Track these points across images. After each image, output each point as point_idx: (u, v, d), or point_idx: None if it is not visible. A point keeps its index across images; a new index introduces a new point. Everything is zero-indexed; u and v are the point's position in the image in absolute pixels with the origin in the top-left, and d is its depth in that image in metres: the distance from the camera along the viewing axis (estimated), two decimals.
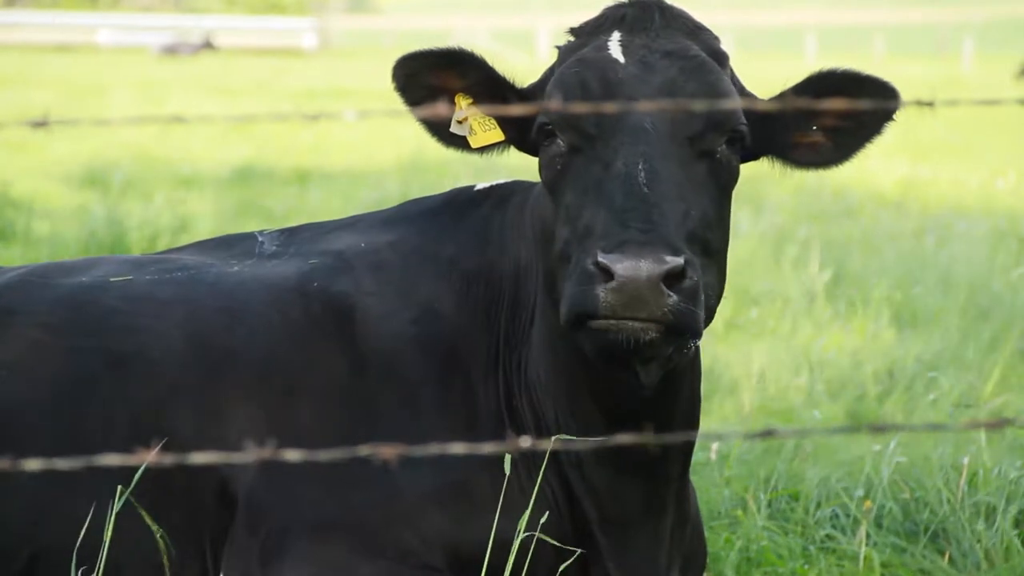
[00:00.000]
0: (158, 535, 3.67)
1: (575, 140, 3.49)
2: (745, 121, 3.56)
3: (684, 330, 3.31)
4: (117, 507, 3.61)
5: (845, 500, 5.53)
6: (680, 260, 3.25)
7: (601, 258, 3.25)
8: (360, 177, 16.75)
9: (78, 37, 62.39)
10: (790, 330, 8.51)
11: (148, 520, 3.66)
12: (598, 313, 3.27)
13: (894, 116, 3.69)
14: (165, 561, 3.68)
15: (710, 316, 3.48)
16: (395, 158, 18.86)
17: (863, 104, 3.64)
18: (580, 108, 3.40)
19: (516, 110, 3.61)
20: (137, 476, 3.60)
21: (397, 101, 3.73)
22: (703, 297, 3.34)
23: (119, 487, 3.62)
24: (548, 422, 3.76)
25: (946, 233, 12.46)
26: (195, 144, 20.27)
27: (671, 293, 3.25)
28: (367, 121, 23.20)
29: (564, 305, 3.37)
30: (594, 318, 3.29)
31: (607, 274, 3.24)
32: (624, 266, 3.23)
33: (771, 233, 12.01)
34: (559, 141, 3.52)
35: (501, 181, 4.04)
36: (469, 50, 3.77)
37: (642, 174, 3.35)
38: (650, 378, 3.57)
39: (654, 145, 3.40)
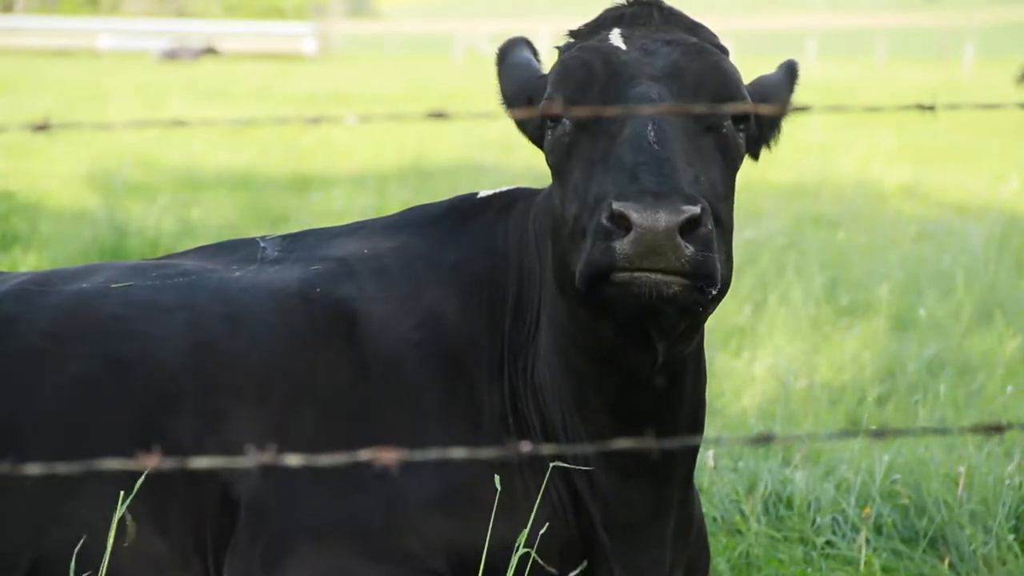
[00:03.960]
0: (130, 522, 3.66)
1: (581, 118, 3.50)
2: (750, 101, 3.57)
3: (703, 278, 3.26)
4: (119, 513, 3.62)
5: (843, 506, 5.53)
6: (696, 208, 3.21)
7: (616, 207, 3.20)
8: (361, 182, 16.76)
9: (78, 42, 62.44)
10: (791, 335, 8.51)
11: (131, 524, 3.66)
12: (616, 265, 3.23)
13: (794, 87, 3.81)
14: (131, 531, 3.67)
15: (721, 294, 3.45)
16: (396, 163, 18.87)
17: (858, 108, 3.66)
18: (582, 111, 3.40)
19: (518, 114, 3.62)
20: (138, 484, 3.60)
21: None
22: (715, 245, 3.30)
23: (121, 492, 3.62)
24: (555, 425, 3.76)
25: (947, 237, 12.46)
26: (196, 148, 20.28)
27: (688, 244, 3.21)
28: (368, 125, 23.19)
29: (580, 266, 3.33)
30: (613, 271, 3.24)
31: (624, 225, 3.20)
32: (642, 216, 3.18)
33: (772, 238, 12.01)
34: (564, 121, 3.52)
35: (504, 188, 4.05)
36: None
37: (651, 134, 3.32)
38: (665, 355, 3.55)
39: (660, 114, 3.39)
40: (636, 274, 3.24)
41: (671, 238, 3.19)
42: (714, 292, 3.34)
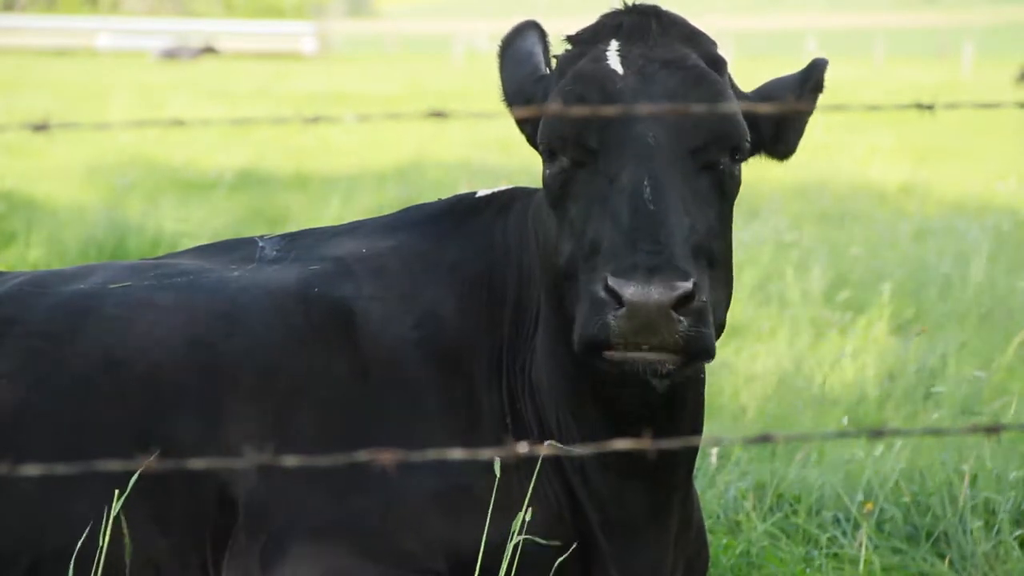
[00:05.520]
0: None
1: (578, 155, 3.49)
2: (748, 138, 3.56)
3: (696, 354, 3.32)
4: (115, 511, 3.61)
5: (846, 502, 5.52)
6: (689, 285, 3.26)
7: (611, 283, 3.26)
8: (360, 181, 16.75)
9: (78, 41, 62.45)
10: (790, 334, 8.51)
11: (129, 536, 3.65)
12: (610, 341, 3.28)
13: (822, 87, 3.74)
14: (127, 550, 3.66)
15: (720, 329, 3.48)
16: (395, 162, 18.87)
17: (858, 107, 3.66)
18: (580, 111, 3.39)
19: (517, 112, 3.61)
20: (132, 481, 3.60)
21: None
22: (711, 317, 3.34)
23: (116, 492, 3.62)
24: (551, 426, 3.76)
25: (947, 236, 12.46)
26: (195, 148, 20.28)
27: (681, 318, 3.26)
28: (368, 126, 23.20)
29: (576, 334, 3.37)
30: (607, 347, 3.30)
31: (617, 300, 3.25)
32: (633, 291, 3.23)
33: (772, 237, 12.01)
34: (562, 158, 3.52)
35: (502, 188, 4.04)
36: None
37: (647, 191, 3.35)
38: (661, 386, 3.57)
39: (658, 159, 3.40)
40: (629, 354, 3.30)
41: (664, 314, 3.24)
42: (710, 361, 3.40)
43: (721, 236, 3.52)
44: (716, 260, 3.48)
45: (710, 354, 3.35)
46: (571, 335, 3.54)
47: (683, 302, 3.26)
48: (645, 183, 3.36)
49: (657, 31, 3.61)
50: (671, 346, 3.27)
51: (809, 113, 3.75)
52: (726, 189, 3.54)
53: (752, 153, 3.70)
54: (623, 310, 3.24)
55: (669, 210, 3.35)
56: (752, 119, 3.63)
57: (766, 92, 3.74)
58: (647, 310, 3.23)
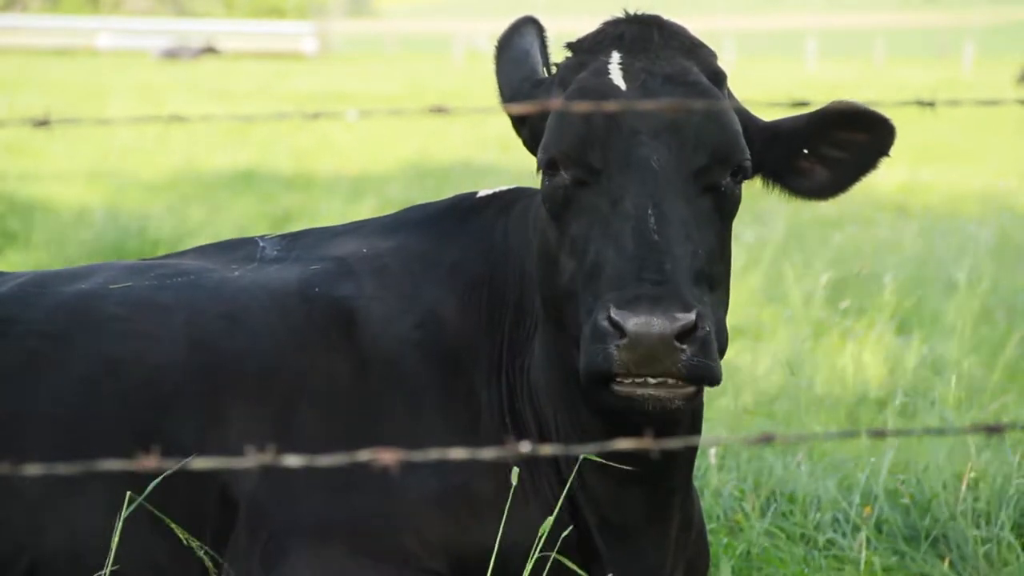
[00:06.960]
0: (200, 551, 3.66)
1: (580, 174, 3.48)
2: (749, 156, 3.55)
3: (699, 382, 3.32)
4: (125, 513, 3.61)
5: (844, 506, 5.52)
6: (691, 316, 3.25)
7: (614, 315, 3.25)
8: (362, 182, 16.75)
9: (78, 41, 62.48)
10: (791, 334, 8.50)
11: (181, 533, 3.65)
12: (613, 372, 3.28)
13: (888, 152, 3.73)
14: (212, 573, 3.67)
15: (722, 351, 3.46)
16: (397, 163, 18.87)
17: (860, 106, 3.66)
18: (582, 107, 3.39)
19: (516, 108, 3.60)
20: (152, 485, 3.59)
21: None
22: (716, 345, 3.33)
23: (128, 493, 3.62)
24: (550, 427, 3.76)
25: (947, 236, 12.45)
26: (196, 148, 20.28)
27: (684, 347, 3.25)
28: (369, 126, 23.20)
29: (581, 365, 3.36)
30: (611, 379, 3.30)
31: (620, 331, 3.25)
32: (636, 322, 3.23)
33: (773, 237, 12.00)
34: (563, 174, 3.51)
35: (504, 188, 4.03)
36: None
37: (651, 218, 3.35)
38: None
39: (661, 184, 3.39)
40: (639, 391, 3.30)
41: (666, 344, 3.24)
42: (714, 386, 3.40)
43: (721, 257, 3.53)
44: (716, 281, 3.48)
45: (714, 381, 3.34)
46: (566, 341, 3.54)
47: (687, 333, 3.25)
48: (649, 211, 3.36)
49: (659, 42, 3.59)
50: (675, 374, 3.27)
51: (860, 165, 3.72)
52: (727, 209, 3.54)
53: (755, 174, 3.68)
54: (625, 340, 3.24)
55: (673, 238, 3.35)
56: (747, 138, 3.60)
57: (776, 124, 3.72)
58: (649, 341, 3.23)
